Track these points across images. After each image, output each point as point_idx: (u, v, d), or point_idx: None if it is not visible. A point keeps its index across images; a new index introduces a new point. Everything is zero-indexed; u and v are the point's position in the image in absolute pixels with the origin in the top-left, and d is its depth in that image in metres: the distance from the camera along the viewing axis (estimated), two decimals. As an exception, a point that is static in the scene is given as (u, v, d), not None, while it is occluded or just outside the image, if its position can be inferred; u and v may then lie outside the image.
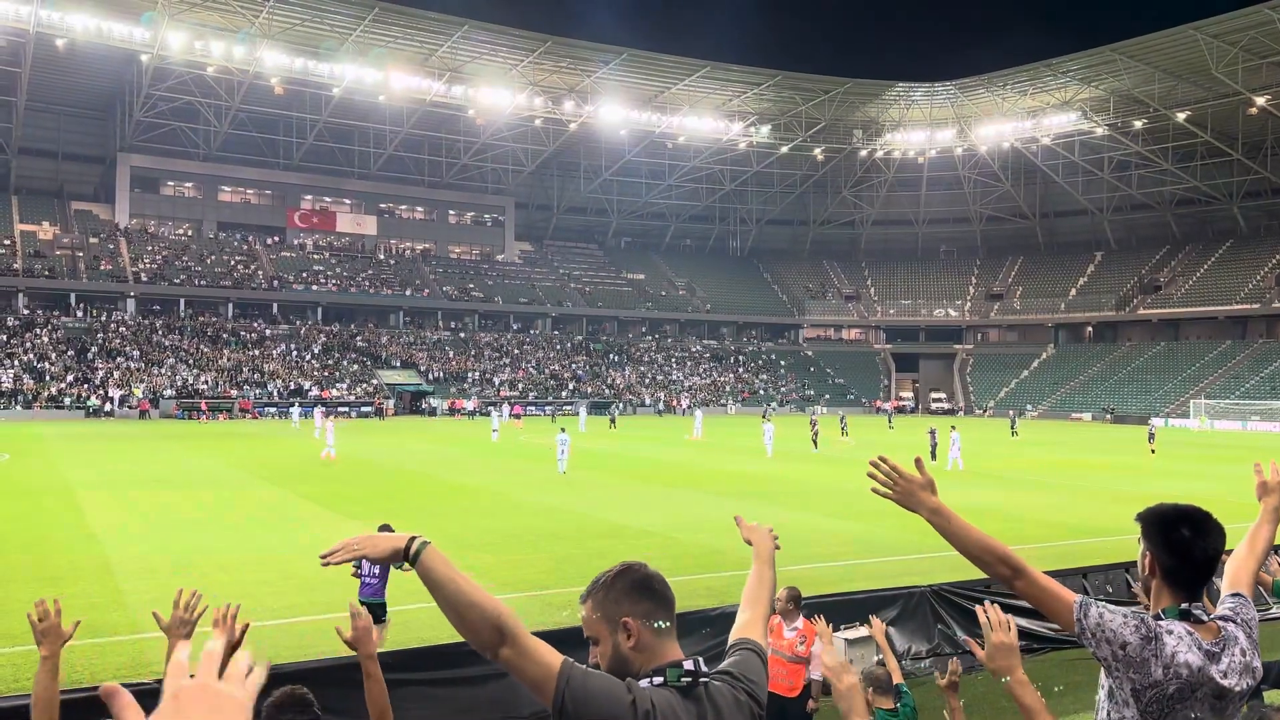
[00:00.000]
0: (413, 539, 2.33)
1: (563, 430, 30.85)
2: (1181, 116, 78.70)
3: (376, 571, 10.83)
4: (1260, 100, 73.24)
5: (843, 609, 10.47)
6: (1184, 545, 2.69)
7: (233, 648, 3.38)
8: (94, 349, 67.98)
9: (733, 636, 2.77)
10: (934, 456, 34.45)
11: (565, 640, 9.97)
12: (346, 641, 3.74)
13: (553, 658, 2.27)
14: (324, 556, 2.42)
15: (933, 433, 37.72)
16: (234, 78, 72.61)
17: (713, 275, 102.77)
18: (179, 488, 26.30)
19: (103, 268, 74.08)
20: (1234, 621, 2.75)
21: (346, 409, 68.31)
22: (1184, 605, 2.69)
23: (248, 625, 3.58)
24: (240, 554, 17.05)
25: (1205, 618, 2.70)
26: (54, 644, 3.48)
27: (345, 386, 70.93)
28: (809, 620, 7.81)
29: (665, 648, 2.40)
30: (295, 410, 58.69)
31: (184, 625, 3.52)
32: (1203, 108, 78.08)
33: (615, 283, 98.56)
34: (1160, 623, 2.64)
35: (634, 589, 2.42)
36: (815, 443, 41.78)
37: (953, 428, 36.08)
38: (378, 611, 10.47)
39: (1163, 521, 2.74)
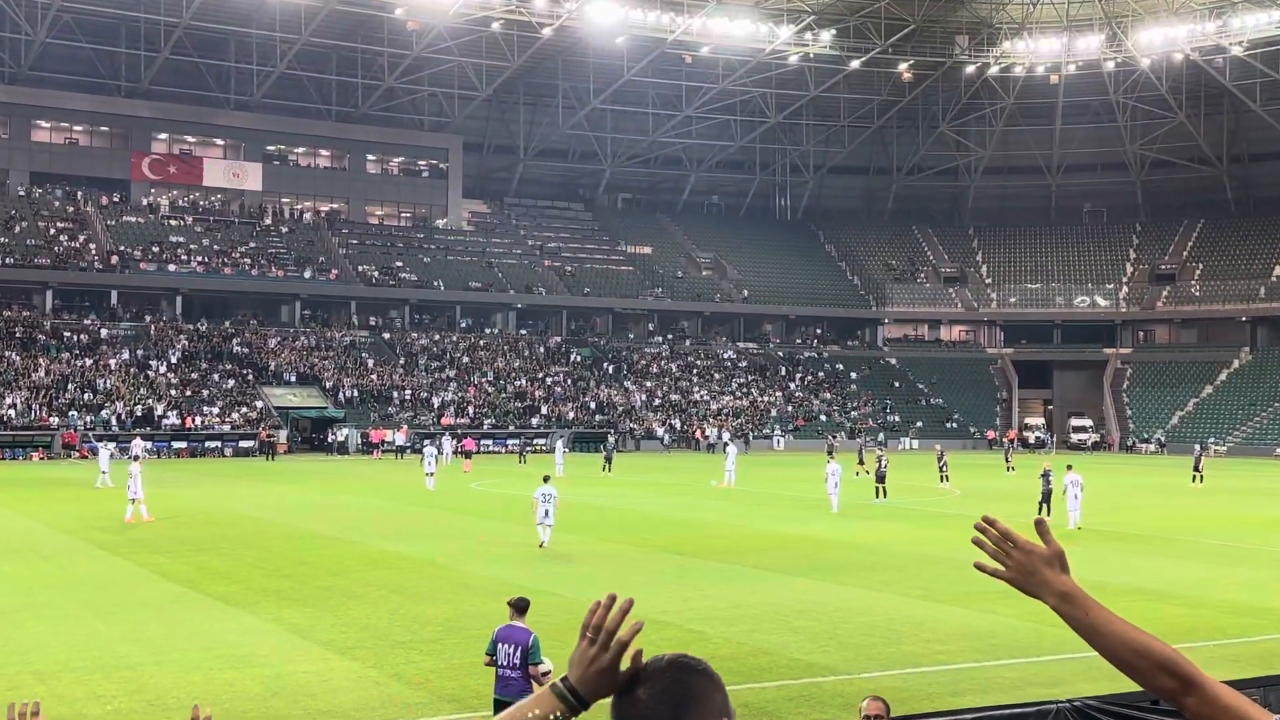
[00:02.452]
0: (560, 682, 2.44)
1: (546, 480, 30.19)
2: None
3: (517, 660, 10.99)
4: None
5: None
6: None
7: None
8: None
9: None
10: (1047, 510, 34.68)
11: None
12: None
13: None
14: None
15: (1046, 476, 37.91)
16: (55, -37, 72.91)
17: (751, 248, 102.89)
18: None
19: None
20: None
21: (218, 444, 68.28)
22: None
23: None
24: (64, 654, 17.01)
25: None
26: None
27: (216, 412, 71.00)
28: None
29: None
30: (104, 452, 48.72)
31: None
32: None
33: (609, 259, 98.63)
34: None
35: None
36: (880, 492, 43.38)
37: (1069, 467, 36.26)
38: None
39: None
